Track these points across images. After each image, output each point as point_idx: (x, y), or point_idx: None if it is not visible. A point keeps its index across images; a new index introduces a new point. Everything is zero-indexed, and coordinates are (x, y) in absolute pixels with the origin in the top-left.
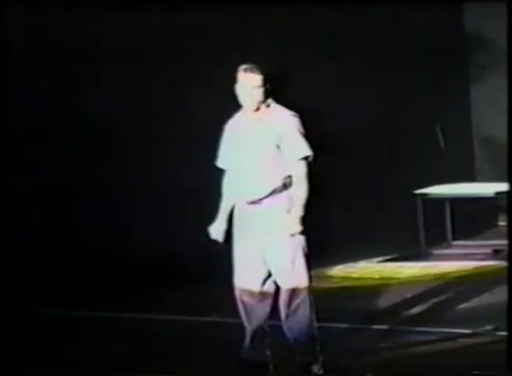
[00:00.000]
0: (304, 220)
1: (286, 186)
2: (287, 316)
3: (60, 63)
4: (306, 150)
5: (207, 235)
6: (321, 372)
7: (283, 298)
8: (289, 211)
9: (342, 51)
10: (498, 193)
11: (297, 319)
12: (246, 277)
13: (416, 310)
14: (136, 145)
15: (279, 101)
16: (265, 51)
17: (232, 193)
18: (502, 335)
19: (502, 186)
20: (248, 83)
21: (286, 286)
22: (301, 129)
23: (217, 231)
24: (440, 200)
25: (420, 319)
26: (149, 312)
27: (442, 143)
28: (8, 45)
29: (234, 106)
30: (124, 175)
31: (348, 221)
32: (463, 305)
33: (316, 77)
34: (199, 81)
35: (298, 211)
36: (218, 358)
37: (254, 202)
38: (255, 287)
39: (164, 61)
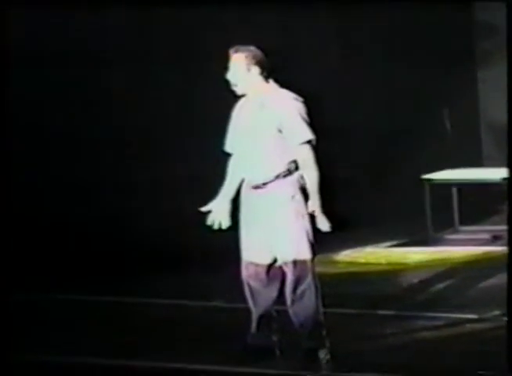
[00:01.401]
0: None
1: (290, 171)
2: (293, 302)
3: (60, 62)
4: (308, 134)
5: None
6: (328, 357)
7: (288, 283)
8: (293, 196)
9: (348, 35)
10: (505, 179)
11: (303, 304)
12: (254, 260)
13: (423, 295)
14: (137, 131)
15: (283, 85)
16: (269, 33)
17: (235, 176)
18: (506, 321)
19: (507, 172)
20: (236, 64)
21: (289, 257)
22: (304, 113)
23: (218, 212)
24: (447, 186)
25: (427, 304)
26: (153, 297)
27: (449, 127)
28: (8, 45)
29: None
30: (124, 163)
31: (355, 206)
32: (470, 290)
33: (321, 64)
34: (203, 71)
35: (315, 191)
36: (223, 344)
37: (258, 187)
38: (261, 271)
39: (166, 50)
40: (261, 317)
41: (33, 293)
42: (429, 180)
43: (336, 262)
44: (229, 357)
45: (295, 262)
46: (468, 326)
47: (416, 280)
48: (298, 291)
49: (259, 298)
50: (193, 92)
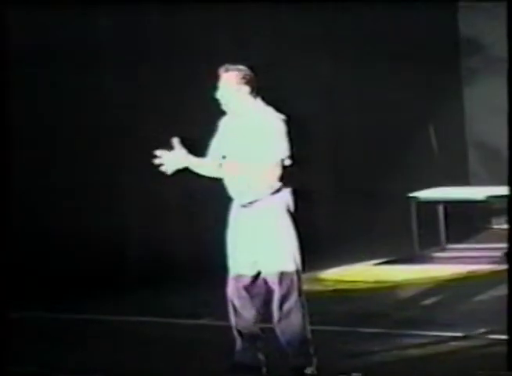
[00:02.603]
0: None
1: (278, 189)
2: (280, 319)
3: (59, 64)
4: (277, 155)
5: (199, 237)
6: (315, 373)
7: (275, 300)
8: (281, 212)
9: (335, 53)
10: (491, 197)
11: (290, 322)
12: (238, 272)
13: (410, 313)
14: (131, 147)
15: (269, 103)
16: (259, 51)
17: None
18: (495, 338)
19: (496, 190)
20: (226, 83)
21: (274, 270)
22: (283, 132)
23: (171, 157)
24: (434, 204)
25: (414, 322)
26: (141, 314)
27: (435, 145)
28: (8, 45)
29: None
30: (118, 179)
31: (342, 224)
32: (456, 308)
33: (309, 81)
34: (198, 84)
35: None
36: (211, 361)
37: (245, 205)
38: (245, 285)
39: (161, 62)
40: (246, 335)
41: (23, 312)
42: (415, 198)
43: (323, 280)
44: (217, 375)
45: (281, 275)
46: (455, 344)
47: (403, 298)
48: (285, 308)
49: (242, 315)
50: (183, 107)
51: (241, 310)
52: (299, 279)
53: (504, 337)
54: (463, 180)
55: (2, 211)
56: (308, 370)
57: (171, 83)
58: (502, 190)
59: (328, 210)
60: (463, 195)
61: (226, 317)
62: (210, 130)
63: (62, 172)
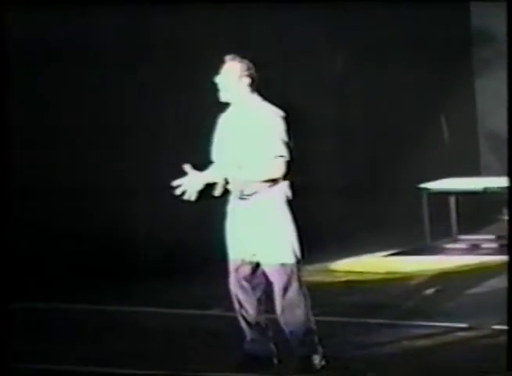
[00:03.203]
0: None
1: (274, 181)
2: (282, 311)
3: (59, 63)
4: (280, 150)
5: (207, 227)
6: (323, 363)
7: (276, 291)
8: (279, 204)
9: (345, 43)
10: (502, 188)
11: (292, 313)
12: (237, 261)
13: (421, 304)
14: (135, 143)
15: (273, 99)
16: (261, 46)
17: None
18: (505, 330)
19: (507, 181)
20: (229, 70)
21: (273, 261)
22: (282, 128)
23: (189, 184)
24: (445, 195)
25: (424, 313)
26: (151, 305)
27: (447, 136)
28: (8, 45)
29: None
30: (124, 171)
31: (353, 215)
32: (468, 300)
33: (320, 73)
34: (197, 81)
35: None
36: (222, 352)
37: (243, 198)
38: (245, 274)
39: (162, 61)
40: (254, 326)
41: (31, 303)
42: (427, 189)
43: (334, 271)
44: (228, 365)
45: (280, 267)
46: (465, 335)
47: (414, 289)
48: (286, 300)
49: (246, 307)
50: (183, 102)
51: (244, 302)
52: (299, 269)
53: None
54: (475, 171)
55: (5, 203)
56: (316, 360)
57: (172, 82)
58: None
59: (339, 201)
60: (475, 186)
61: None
62: (212, 128)
63: (68, 165)
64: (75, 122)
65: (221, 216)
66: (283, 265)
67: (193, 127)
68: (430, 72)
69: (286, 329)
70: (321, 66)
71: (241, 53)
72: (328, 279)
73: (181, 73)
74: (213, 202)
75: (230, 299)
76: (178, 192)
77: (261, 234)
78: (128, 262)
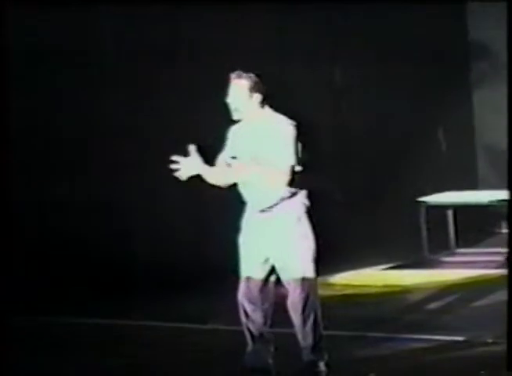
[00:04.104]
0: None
1: (294, 192)
2: (304, 321)
3: (59, 63)
4: (288, 161)
5: (206, 242)
6: (325, 368)
7: (295, 302)
8: (299, 218)
9: (342, 57)
10: (500, 201)
11: (309, 322)
12: (249, 274)
13: (419, 318)
14: (135, 154)
15: (278, 110)
16: (262, 58)
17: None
18: (504, 343)
19: (505, 194)
20: (237, 88)
21: (296, 276)
22: (292, 138)
23: (188, 164)
24: (443, 208)
25: (423, 326)
26: (149, 319)
27: (445, 149)
28: (8, 45)
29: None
30: (123, 184)
31: (351, 228)
32: (466, 313)
33: (317, 87)
34: (200, 91)
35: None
36: (220, 366)
37: (263, 210)
38: (255, 288)
39: (165, 68)
40: (257, 338)
41: (29, 317)
42: (425, 203)
43: (332, 285)
44: None
45: (302, 281)
46: (464, 348)
47: (412, 303)
48: (307, 310)
49: (253, 318)
50: (190, 113)
51: (252, 313)
52: (316, 281)
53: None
54: (472, 184)
55: (6, 214)
56: (322, 366)
57: (174, 85)
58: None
59: (336, 214)
60: (473, 199)
61: (233, 322)
62: (213, 132)
63: (68, 175)
64: (76, 122)
65: (222, 230)
66: (304, 278)
67: (194, 136)
68: (429, 85)
69: (301, 337)
70: (319, 79)
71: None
72: (326, 292)
73: (184, 75)
74: (213, 215)
75: (227, 314)
76: (172, 167)
77: (281, 247)
78: (124, 276)
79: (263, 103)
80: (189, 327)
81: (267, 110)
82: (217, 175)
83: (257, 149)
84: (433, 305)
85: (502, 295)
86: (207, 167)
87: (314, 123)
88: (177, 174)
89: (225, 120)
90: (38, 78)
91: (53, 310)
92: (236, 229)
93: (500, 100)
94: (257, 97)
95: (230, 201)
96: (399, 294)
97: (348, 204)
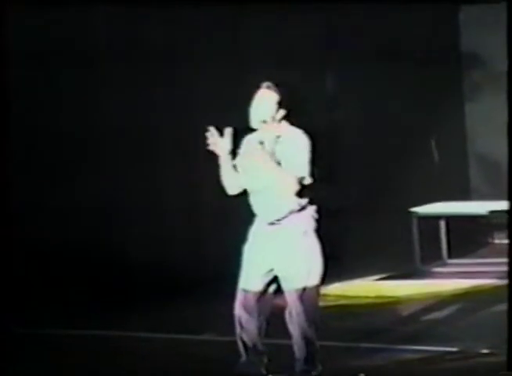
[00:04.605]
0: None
1: (303, 206)
2: (302, 331)
3: (59, 63)
4: (302, 171)
5: (199, 254)
6: None
7: (299, 312)
8: (306, 231)
9: (336, 66)
10: (492, 212)
11: (308, 332)
12: (246, 287)
13: (412, 328)
14: (133, 158)
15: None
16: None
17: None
18: (497, 354)
19: (497, 205)
20: (265, 100)
21: (299, 286)
22: (308, 151)
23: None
24: (435, 219)
25: (415, 337)
26: (142, 330)
27: (437, 160)
28: (8, 46)
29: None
30: (119, 193)
31: (343, 239)
32: (458, 324)
33: (309, 94)
34: (201, 96)
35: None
36: None
37: (273, 223)
38: (251, 299)
39: (166, 72)
40: (250, 349)
41: (24, 328)
42: (417, 213)
43: (325, 296)
44: None
45: (305, 292)
46: (457, 359)
47: (404, 313)
48: (307, 322)
49: (248, 328)
50: (193, 117)
51: (247, 324)
52: (318, 294)
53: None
54: (464, 195)
55: (3, 222)
56: (314, 374)
57: (171, 85)
58: (504, 205)
59: (328, 225)
60: (465, 210)
61: (227, 333)
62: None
63: (62, 181)
64: (73, 127)
65: (217, 240)
66: (306, 290)
67: (195, 145)
68: (420, 95)
69: (297, 349)
70: (312, 86)
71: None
72: (319, 303)
73: (183, 74)
74: (211, 226)
75: (221, 324)
76: (209, 136)
77: (286, 258)
78: (116, 286)
79: (286, 118)
80: (184, 338)
81: (283, 123)
82: (233, 171)
83: (271, 158)
84: (426, 316)
85: (495, 305)
86: (230, 156)
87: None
88: (209, 146)
89: (229, 122)
90: (38, 78)
91: (49, 321)
92: (234, 240)
93: (493, 110)
94: (283, 112)
95: (229, 212)
96: (392, 304)
97: (339, 215)
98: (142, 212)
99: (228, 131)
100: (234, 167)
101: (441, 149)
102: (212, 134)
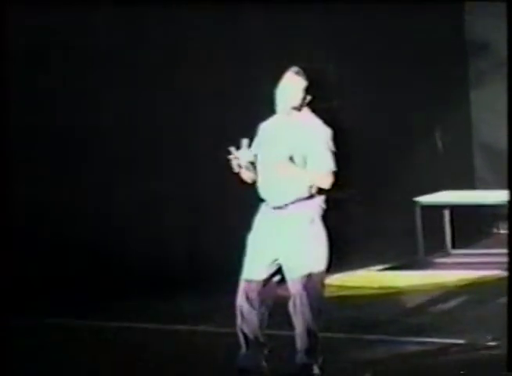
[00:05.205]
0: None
1: (312, 194)
2: (305, 321)
3: (59, 63)
4: (330, 165)
5: (198, 245)
6: (319, 371)
7: (301, 304)
8: (313, 219)
9: (341, 56)
10: (497, 201)
11: (311, 322)
12: (250, 277)
13: (415, 320)
14: (130, 154)
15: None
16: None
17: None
18: (500, 345)
19: (502, 194)
20: (293, 85)
21: (302, 272)
22: (331, 143)
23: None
24: (439, 208)
25: (419, 329)
26: (141, 321)
27: (441, 148)
28: (8, 46)
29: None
30: (117, 186)
31: (346, 229)
32: (462, 315)
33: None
34: (201, 90)
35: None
36: (212, 368)
37: (279, 207)
38: (255, 288)
39: (172, 67)
40: (251, 341)
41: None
42: (420, 203)
43: (327, 286)
44: None
45: (309, 282)
46: (460, 351)
47: (407, 305)
48: (311, 312)
49: (249, 319)
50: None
51: (248, 315)
52: (323, 284)
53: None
54: (469, 184)
55: (2, 217)
56: (316, 369)
57: (171, 85)
58: (509, 195)
59: (331, 215)
60: (469, 199)
61: (226, 324)
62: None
63: (60, 177)
64: (73, 127)
65: (215, 231)
66: (310, 280)
67: (194, 140)
68: (425, 83)
69: (300, 340)
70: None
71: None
72: None
73: (189, 83)
74: (211, 214)
75: (220, 315)
76: (232, 157)
77: (292, 246)
78: (114, 277)
79: (310, 106)
80: (183, 328)
81: (305, 110)
82: (252, 172)
83: (292, 149)
84: (429, 308)
85: (499, 297)
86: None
87: None
88: (236, 164)
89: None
90: (38, 78)
91: (46, 311)
92: (236, 228)
93: (498, 99)
94: (308, 98)
95: (230, 201)
96: (395, 295)
97: (342, 204)
98: (141, 204)
99: (245, 142)
100: (252, 164)
101: (445, 137)
102: (233, 152)
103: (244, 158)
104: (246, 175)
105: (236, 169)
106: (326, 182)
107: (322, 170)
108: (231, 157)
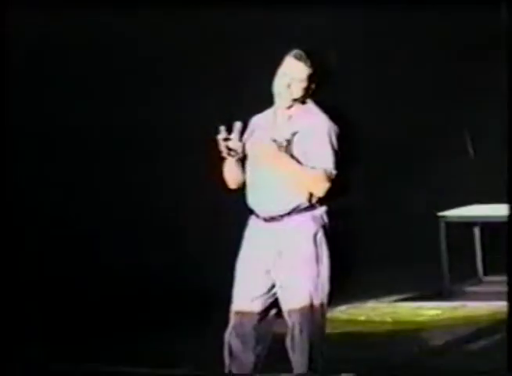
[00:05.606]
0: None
1: (312, 204)
2: (306, 364)
3: (59, 63)
4: (328, 165)
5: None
6: None
7: (300, 340)
8: (315, 236)
9: (363, 58)
10: None
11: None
12: (242, 308)
13: (439, 362)
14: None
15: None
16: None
17: None
18: None
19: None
20: (294, 73)
21: (298, 305)
22: (334, 140)
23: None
24: (468, 225)
25: (443, 372)
26: (121, 363)
27: (472, 152)
28: (9, 46)
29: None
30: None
31: (353, 250)
32: (496, 355)
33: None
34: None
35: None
36: None
37: (273, 218)
38: (248, 322)
39: (171, 67)
40: None
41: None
42: (445, 218)
43: (330, 321)
44: None
45: (309, 314)
46: None
47: (430, 343)
48: (311, 351)
49: (240, 359)
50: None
51: (240, 354)
52: (324, 318)
53: None
54: (503, 197)
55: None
56: None
57: (172, 85)
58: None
59: (334, 230)
60: (504, 214)
61: (208, 366)
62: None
63: (62, 182)
64: (74, 127)
65: (206, 251)
66: (310, 312)
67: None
68: (455, 86)
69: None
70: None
71: None
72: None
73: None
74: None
75: (201, 356)
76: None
77: (287, 270)
78: (96, 318)
79: (313, 96)
80: (158, 372)
81: (310, 103)
82: (238, 165)
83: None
84: (456, 346)
85: None
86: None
87: None
88: (221, 147)
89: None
90: (38, 78)
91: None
92: (222, 250)
93: None
94: (312, 88)
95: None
96: (413, 332)
97: (349, 219)
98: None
99: (238, 125)
100: (239, 159)
101: (477, 143)
102: (222, 131)
103: (236, 142)
104: (234, 173)
105: (224, 153)
106: (320, 186)
107: (316, 170)
108: (220, 137)
